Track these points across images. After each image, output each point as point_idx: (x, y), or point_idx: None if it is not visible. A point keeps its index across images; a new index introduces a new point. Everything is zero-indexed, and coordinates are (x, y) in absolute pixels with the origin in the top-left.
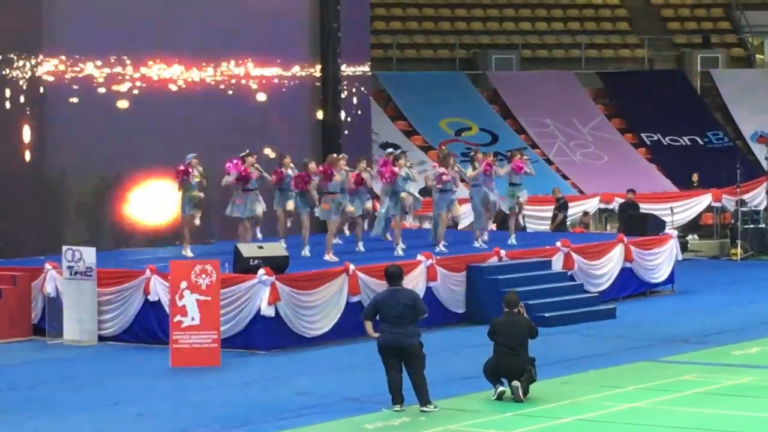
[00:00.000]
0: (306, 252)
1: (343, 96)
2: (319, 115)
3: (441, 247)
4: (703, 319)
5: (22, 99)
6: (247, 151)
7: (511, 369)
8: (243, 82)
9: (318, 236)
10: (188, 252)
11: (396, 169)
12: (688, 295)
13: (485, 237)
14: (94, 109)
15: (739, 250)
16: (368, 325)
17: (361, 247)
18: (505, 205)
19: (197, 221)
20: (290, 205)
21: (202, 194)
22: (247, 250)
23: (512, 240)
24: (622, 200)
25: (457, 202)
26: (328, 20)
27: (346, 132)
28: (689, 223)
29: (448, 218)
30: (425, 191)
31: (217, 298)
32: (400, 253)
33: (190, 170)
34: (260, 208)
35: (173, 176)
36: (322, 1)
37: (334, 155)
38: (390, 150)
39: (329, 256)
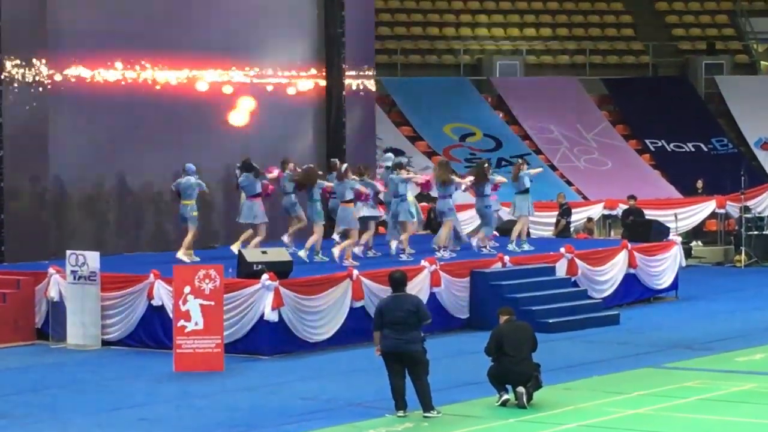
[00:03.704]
0: (322, 257)
1: (347, 101)
2: (324, 120)
3: (442, 252)
4: (707, 326)
5: (28, 103)
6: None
7: (517, 375)
8: (247, 87)
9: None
10: (193, 257)
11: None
12: (692, 301)
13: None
14: (98, 111)
15: (743, 256)
16: (377, 337)
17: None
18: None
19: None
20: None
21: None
22: (251, 255)
23: (512, 246)
24: (625, 206)
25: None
26: (333, 26)
27: (351, 137)
28: (693, 229)
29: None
30: (422, 197)
31: (220, 303)
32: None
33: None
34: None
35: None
36: (327, 7)
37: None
38: (389, 155)
39: (349, 261)
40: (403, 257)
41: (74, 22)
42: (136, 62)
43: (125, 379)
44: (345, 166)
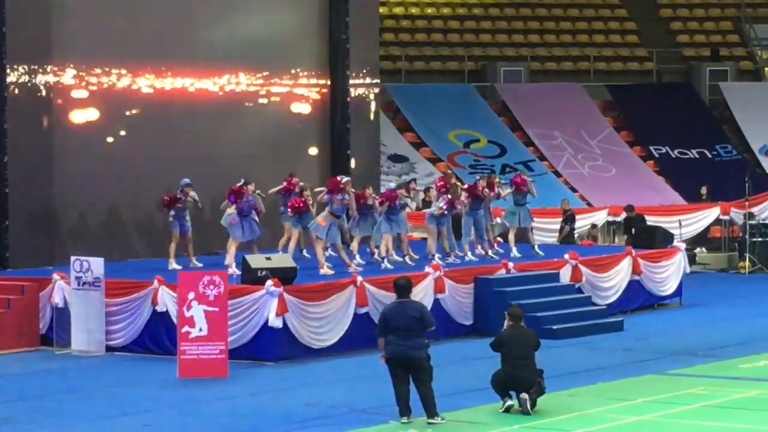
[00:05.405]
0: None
1: (351, 108)
2: (328, 126)
3: (437, 258)
4: (711, 332)
5: (32, 110)
6: (243, 180)
7: (520, 381)
8: (251, 94)
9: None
10: (175, 265)
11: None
12: (696, 308)
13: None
14: (103, 119)
15: (747, 263)
16: (382, 343)
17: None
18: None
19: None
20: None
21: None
22: (255, 261)
23: (536, 250)
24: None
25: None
26: (337, 32)
27: (355, 144)
28: (697, 236)
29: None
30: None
31: (224, 309)
32: (389, 266)
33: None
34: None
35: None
36: (331, 13)
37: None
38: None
39: (324, 270)
40: (409, 262)
41: (78, 30)
42: (140, 70)
43: (129, 386)
44: (347, 179)
